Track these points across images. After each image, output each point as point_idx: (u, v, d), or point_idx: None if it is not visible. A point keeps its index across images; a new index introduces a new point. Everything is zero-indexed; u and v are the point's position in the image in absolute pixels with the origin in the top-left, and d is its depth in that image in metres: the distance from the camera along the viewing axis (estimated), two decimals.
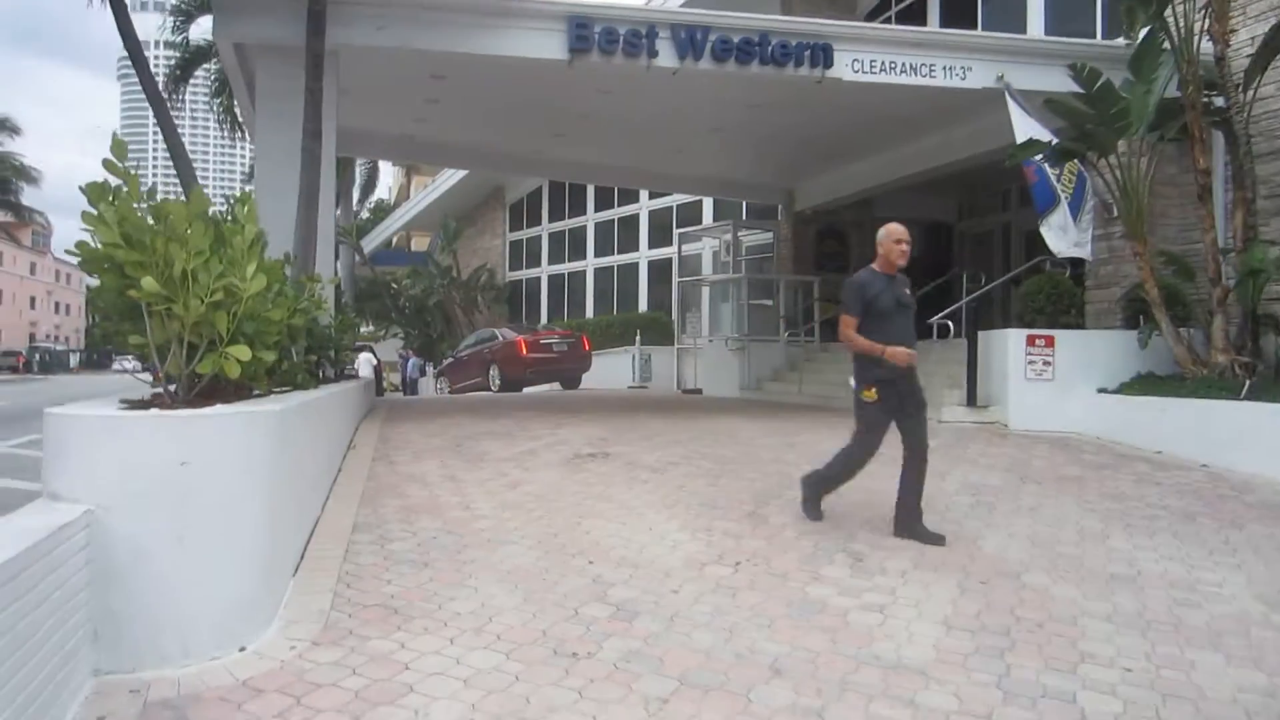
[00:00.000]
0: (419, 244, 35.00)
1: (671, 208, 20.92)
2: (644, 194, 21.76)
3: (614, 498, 5.78)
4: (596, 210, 23.53)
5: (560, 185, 24.80)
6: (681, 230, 18.37)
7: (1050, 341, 9.45)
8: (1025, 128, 9.60)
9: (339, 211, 30.98)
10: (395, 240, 37.64)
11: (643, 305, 21.63)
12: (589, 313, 23.51)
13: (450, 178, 26.30)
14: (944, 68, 9.81)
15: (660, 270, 21.43)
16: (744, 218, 17.87)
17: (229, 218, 4.01)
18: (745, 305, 15.22)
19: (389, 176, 45.45)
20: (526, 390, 19.41)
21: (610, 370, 20.21)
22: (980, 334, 9.84)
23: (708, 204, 19.79)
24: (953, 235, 18.52)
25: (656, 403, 13.13)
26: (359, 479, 6.01)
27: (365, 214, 46.59)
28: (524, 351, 17.97)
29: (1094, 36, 11.84)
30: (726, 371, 15.31)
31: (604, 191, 23.25)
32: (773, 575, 4.39)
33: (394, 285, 31.59)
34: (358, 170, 31.27)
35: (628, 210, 22.40)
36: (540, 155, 14.80)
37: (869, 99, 10.97)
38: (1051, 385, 9.43)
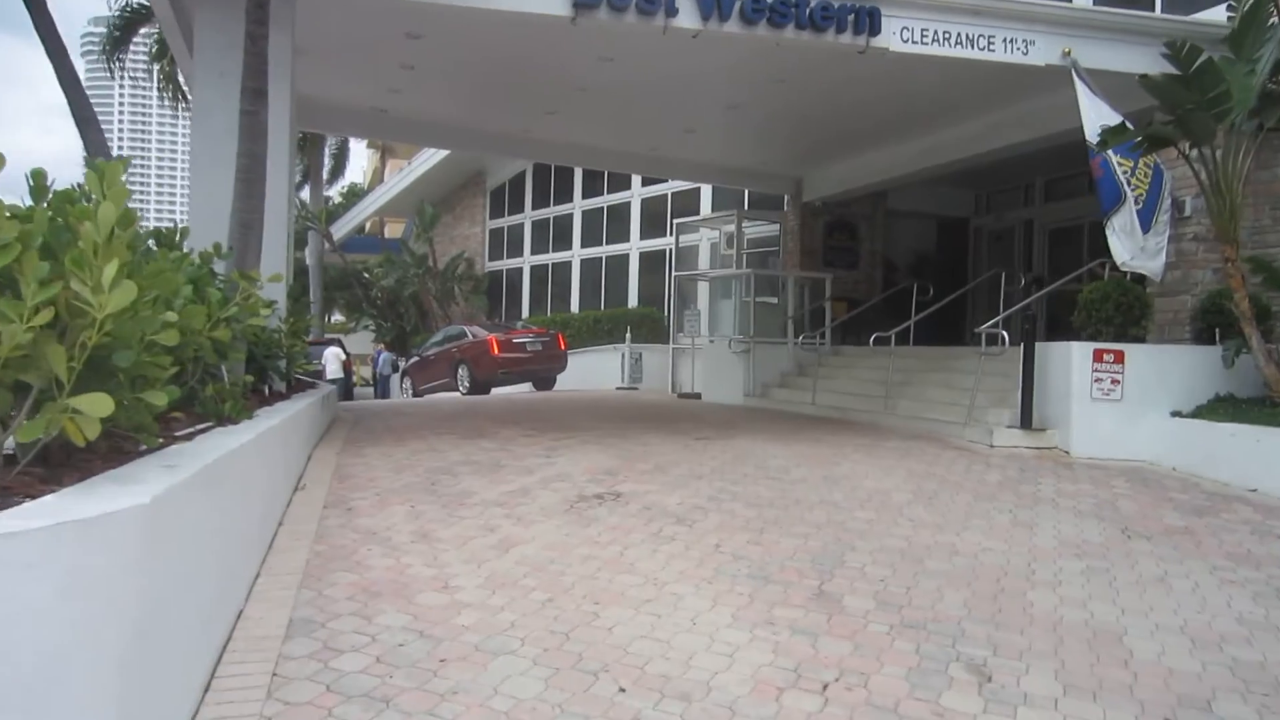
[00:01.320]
0: (394, 231, 33.41)
1: (666, 195, 19.56)
2: (636, 181, 20.38)
3: (637, 566, 4.44)
4: (584, 197, 22.12)
5: (545, 170, 23.35)
6: (680, 220, 17.02)
7: (1120, 357, 8.21)
8: (1094, 111, 8.34)
9: (306, 195, 29.39)
10: (369, 226, 36.00)
11: (633, 300, 20.28)
12: (574, 306, 22.12)
13: (427, 160, 24.77)
14: (1004, 40, 8.53)
15: (652, 263, 20.08)
16: (745, 207, 16.53)
17: (84, 195, 2.63)
18: (751, 303, 13.90)
19: (363, 159, 43.61)
20: (499, 391, 18.04)
21: (597, 369, 18.86)
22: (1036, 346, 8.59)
23: (705, 193, 18.44)
24: (968, 231, 17.30)
25: (657, 412, 11.79)
26: (304, 539, 4.63)
27: (338, 198, 44.89)
28: (495, 351, 16.61)
29: (1152, 9, 10.59)
30: (729, 375, 14.00)
31: (592, 177, 21.84)
32: (879, 710, 3.08)
33: (366, 274, 30.01)
34: (327, 150, 29.64)
35: (618, 198, 21.02)
36: (529, 134, 13.38)
37: (911, 75, 9.69)
38: (1119, 407, 8.20)
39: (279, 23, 6.90)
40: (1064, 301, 16.16)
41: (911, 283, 13.09)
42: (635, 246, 20.45)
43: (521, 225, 24.27)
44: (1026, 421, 8.49)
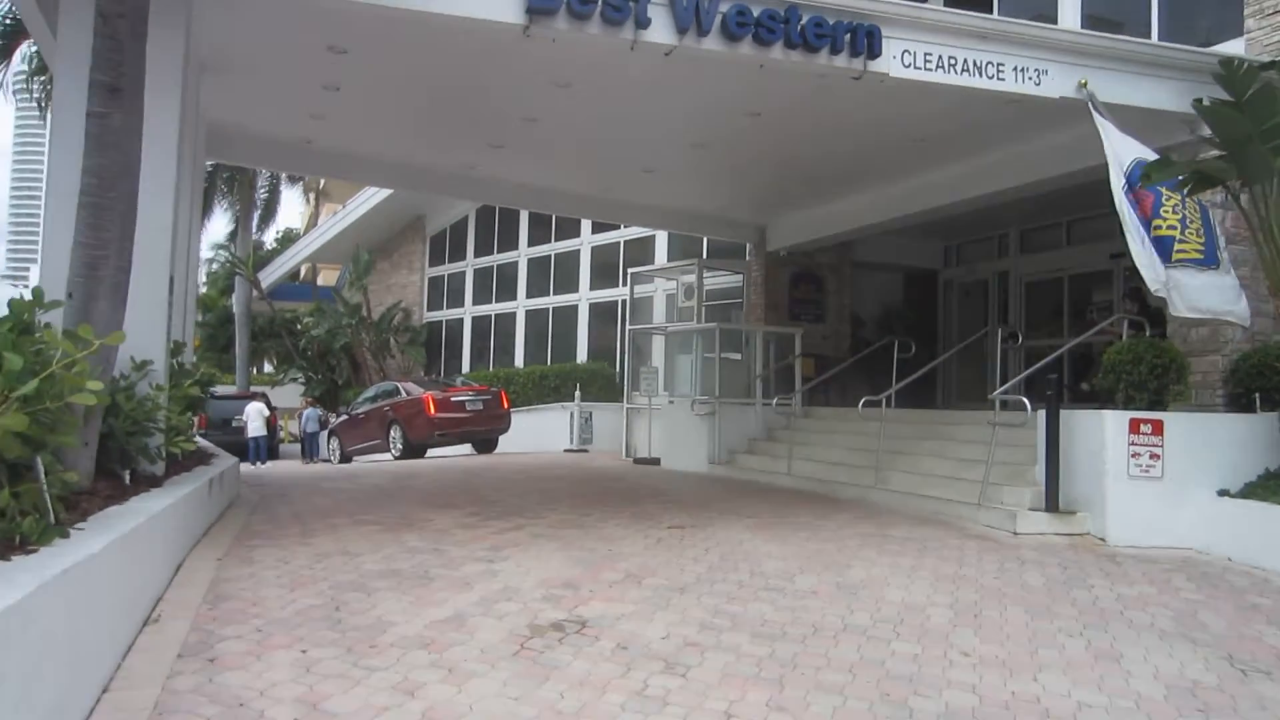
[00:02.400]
0: (329, 279, 31.66)
1: (618, 244, 18.38)
2: (586, 228, 19.19)
3: None
4: (530, 244, 20.84)
5: (489, 214, 22.05)
6: (635, 270, 15.81)
7: (1158, 428, 7.10)
8: (1123, 145, 7.35)
9: (232, 240, 27.63)
10: (304, 273, 34.20)
11: (582, 355, 18.95)
12: (519, 361, 20.68)
13: (364, 203, 23.29)
14: (1015, 69, 7.49)
15: (603, 315, 18.80)
16: (704, 256, 15.40)
17: None
18: (716, 360, 12.67)
19: (299, 202, 41.80)
20: (436, 453, 16.47)
21: (544, 430, 17.41)
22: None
23: (660, 241, 17.31)
24: (937, 284, 16.40)
25: (615, 485, 10.38)
26: None
27: (273, 243, 42.86)
28: (431, 410, 15.10)
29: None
30: (691, 440, 12.69)
31: (539, 223, 20.59)
32: None
33: (298, 324, 28.22)
34: (258, 192, 27.98)
35: (566, 245, 19.78)
36: (472, 172, 12.08)
37: (901, 112, 8.71)
38: (1159, 486, 7.08)
39: (165, 14, 5.52)
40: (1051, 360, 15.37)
41: (891, 339, 12.00)
42: (585, 297, 19.19)
43: (463, 273, 22.86)
44: (1052, 503, 7.30)
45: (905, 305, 16.41)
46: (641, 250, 17.82)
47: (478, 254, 22.46)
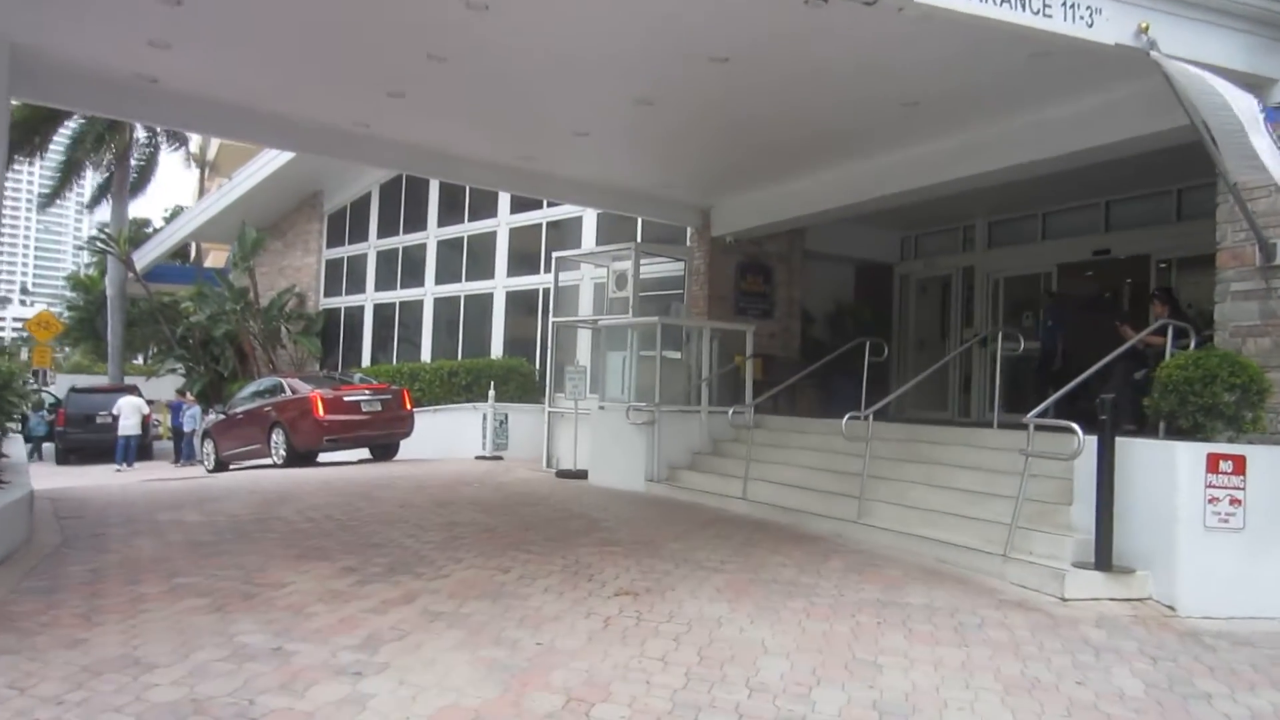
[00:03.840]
0: (221, 260, 28.66)
1: (540, 225, 16.37)
2: (503, 207, 17.13)
3: None
4: (441, 224, 18.63)
5: (394, 190, 19.74)
6: (560, 254, 13.84)
7: (1240, 465, 5.58)
8: (1212, 97, 5.77)
9: (98, 213, 24.52)
10: (194, 254, 31.08)
11: (497, 349, 16.89)
12: (426, 354, 18.48)
13: (252, 175, 20.67)
14: (1065, 5, 5.87)
15: (523, 305, 16.80)
16: (638, 240, 13.56)
17: None
18: (657, 360, 10.86)
19: (191, 175, 38.25)
20: (326, 460, 14.29)
21: (452, 433, 15.34)
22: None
23: (588, 223, 15.39)
24: (893, 279, 14.94)
25: (538, 513, 8.43)
26: None
27: (162, 221, 39.22)
28: (320, 412, 12.93)
29: None
30: (625, 452, 10.86)
31: (450, 201, 18.42)
32: None
33: (178, 309, 25.32)
34: (133, 160, 24.98)
35: (481, 226, 17.68)
36: (367, 131, 9.94)
37: (906, 56, 7.02)
38: (1240, 539, 5.57)
39: None
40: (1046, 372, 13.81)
41: (862, 340, 10.40)
42: (502, 285, 17.13)
43: (364, 256, 20.48)
44: (1104, 559, 5.71)
45: (858, 301, 14.90)
46: (567, 233, 15.88)
47: (381, 234, 20.13)
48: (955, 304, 13.88)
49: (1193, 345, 6.98)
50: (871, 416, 7.69)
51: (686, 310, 12.83)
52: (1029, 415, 6.08)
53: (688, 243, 13.24)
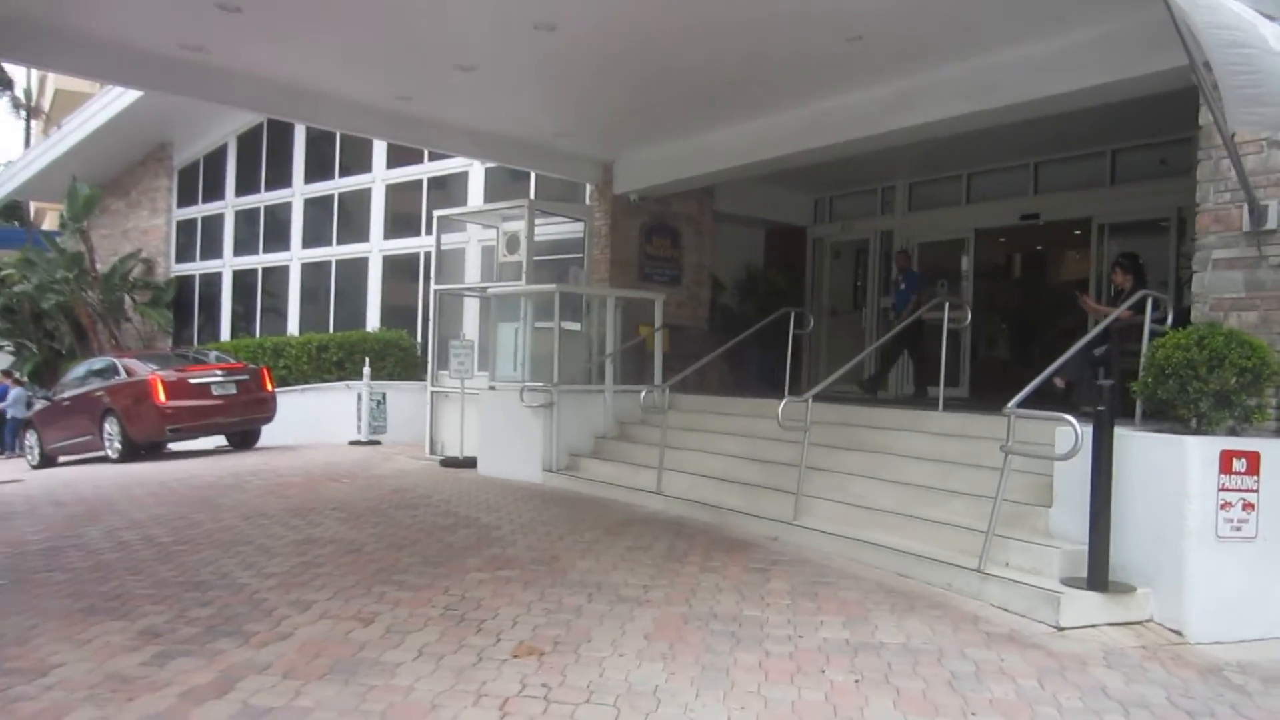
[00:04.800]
0: (55, 222, 25.55)
1: (420, 182, 14.71)
2: (379, 159, 15.37)
3: None
4: (308, 180, 16.67)
5: (253, 142, 17.61)
6: (443, 213, 12.26)
7: (1254, 463, 4.72)
8: (1220, 31, 4.82)
9: None
10: (32, 214, 27.68)
11: (374, 320, 15.20)
12: (293, 327, 16.58)
13: (86, 122, 18.09)
14: None
15: (402, 270, 15.14)
16: (533, 197, 12.16)
17: None
18: (556, 333, 9.56)
19: (19, 126, 34.23)
20: (179, 449, 12.49)
21: (323, 415, 13.69)
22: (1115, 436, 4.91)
23: (475, 179, 13.85)
24: (806, 243, 13.99)
25: (416, 511, 7.04)
26: None
27: None
28: (160, 397, 11.14)
29: None
30: (520, 437, 9.56)
31: (318, 154, 16.49)
32: None
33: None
34: None
35: (354, 183, 15.85)
36: (199, 56, 8.18)
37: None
38: (1253, 550, 4.72)
39: None
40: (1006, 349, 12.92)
41: (787, 311, 9.37)
42: (378, 248, 15.40)
43: (221, 217, 18.26)
44: (1099, 576, 4.77)
45: (770, 267, 13.90)
46: (452, 191, 14.30)
47: (240, 192, 17.98)
48: (872, 270, 13.03)
49: (1169, 321, 6.17)
50: (811, 400, 6.60)
51: (587, 276, 11.54)
52: (1010, 405, 5.08)
53: (587, 201, 11.91)
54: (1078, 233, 11.13)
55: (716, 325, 12.68)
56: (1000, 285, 13.19)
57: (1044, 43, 7.03)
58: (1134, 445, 4.90)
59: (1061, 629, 4.56)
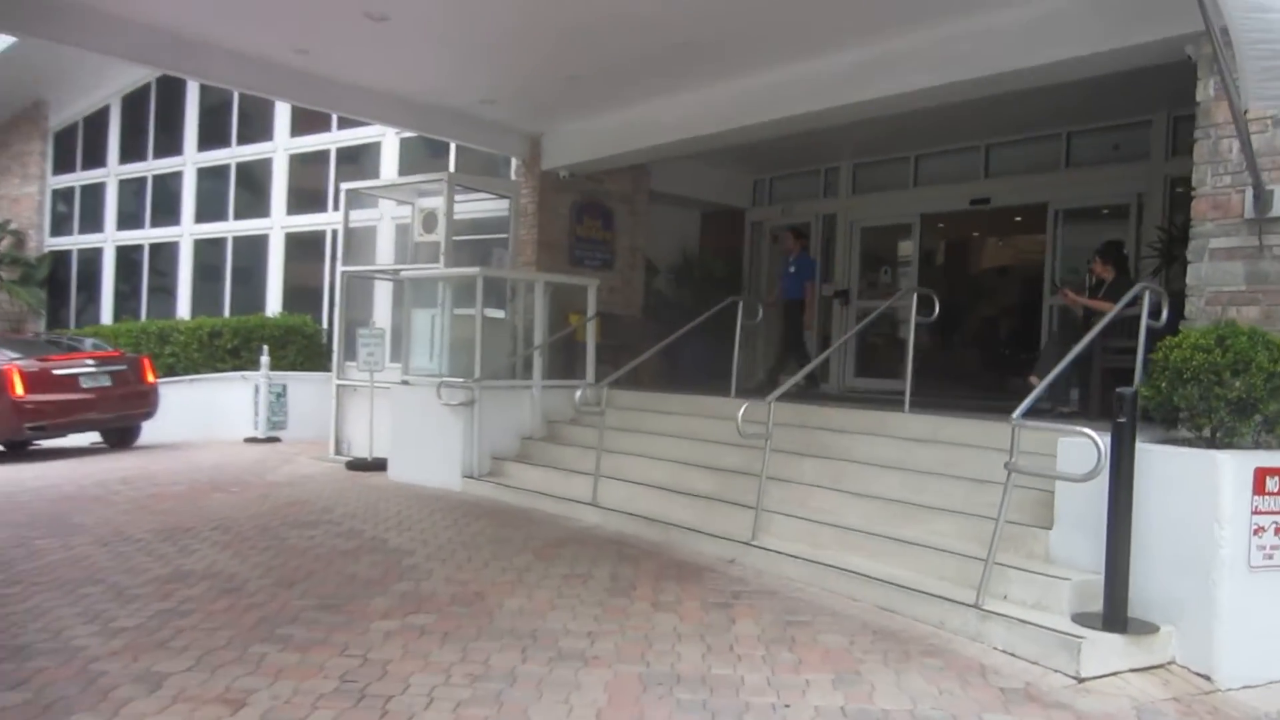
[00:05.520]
0: None
1: (329, 151, 13.46)
2: (281, 127, 14.03)
3: None
4: (202, 148, 15.17)
5: (140, 103, 15.98)
6: (352, 186, 11.09)
7: None
8: None
9: None
10: None
11: (274, 304, 13.89)
12: (183, 310, 15.12)
13: None
14: None
15: (306, 250, 13.88)
16: (453, 170, 11.10)
17: None
18: (479, 322, 8.59)
19: None
20: (50, 446, 11.12)
21: (216, 409, 12.42)
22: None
23: (388, 149, 12.69)
24: (744, 227, 13.26)
25: (314, 530, 6.01)
26: None
27: None
28: (18, 390, 9.77)
29: None
30: (437, 439, 8.58)
31: (214, 118, 15.03)
32: None
33: None
34: None
35: (253, 152, 14.46)
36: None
37: None
38: None
39: None
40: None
41: (734, 299, 8.60)
42: (280, 224, 14.08)
43: (102, 186, 16.56)
44: (1118, 614, 4.12)
45: (706, 251, 13.13)
46: (363, 163, 13.11)
47: (126, 159, 16.33)
48: (815, 255, 12.33)
49: (1164, 317, 5.59)
50: (773, 404, 5.83)
51: (512, 259, 10.58)
52: (1016, 414, 4.37)
53: (513, 177, 10.92)
54: (1028, 219, 10.66)
55: (650, 313, 11.87)
56: (948, 273, 12.70)
57: (1022, 9, 6.37)
58: (1154, 461, 4.25)
59: (1082, 680, 3.88)
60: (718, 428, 7.51)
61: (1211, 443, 4.46)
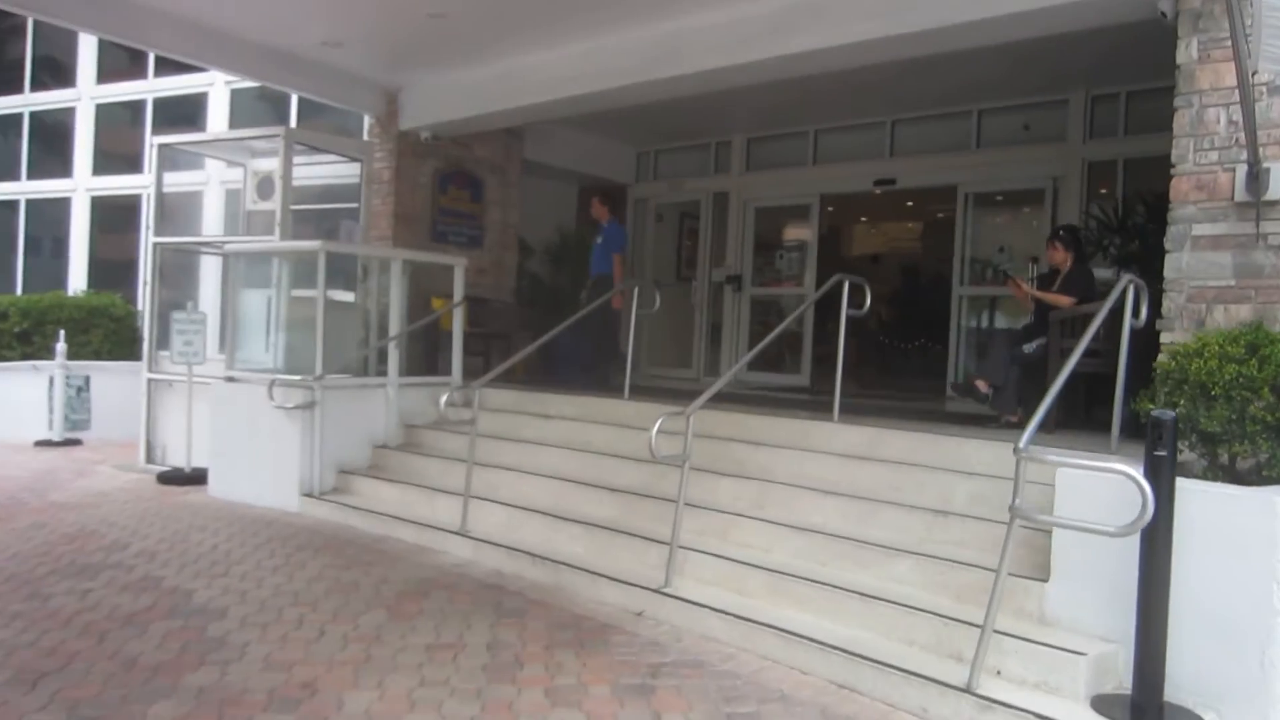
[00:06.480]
0: None
1: (144, 101, 11.46)
2: (85, 71, 11.90)
3: None
4: None
5: None
6: (167, 140, 9.24)
7: None
8: None
9: None
10: None
11: (79, 280, 11.80)
12: None
13: None
14: None
15: (115, 217, 11.83)
16: (292, 124, 9.47)
17: None
18: (320, 307, 7.12)
19: None
20: None
21: (1, 404, 10.34)
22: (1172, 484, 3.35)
23: (216, 102, 10.87)
24: (627, 204, 12.11)
25: (82, 592, 4.47)
26: None
27: None
28: None
29: None
30: (268, 447, 7.08)
31: (3, 58, 12.68)
32: None
33: None
34: None
35: (52, 100, 12.23)
36: None
37: None
38: None
39: None
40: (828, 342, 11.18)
41: (633, 283, 7.46)
42: (85, 186, 11.94)
43: None
44: (1152, 701, 3.23)
45: (586, 230, 11.91)
46: (187, 119, 11.22)
47: None
48: (705, 236, 11.37)
49: (1143, 314, 4.81)
50: (692, 418, 4.71)
51: (364, 233, 9.08)
52: (1022, 442, 3.40)
53: (366, 137, 9.39)
54: (936, 202, 10.00)
55: (524, 298, 10.62)
56: (850, 259, 11.95)
57: None
58: (1193, 503, 3.38)
59: None
60: (612, 436, 6.39)
61: (1233, 473, 3.66)
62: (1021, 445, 3.36)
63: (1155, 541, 3.24)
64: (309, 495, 6.83)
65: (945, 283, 9.56)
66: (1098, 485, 3.55)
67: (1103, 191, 8.42)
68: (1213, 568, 3.32)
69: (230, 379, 7.57)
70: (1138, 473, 3.03)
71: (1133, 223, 7.28)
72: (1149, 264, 6.86)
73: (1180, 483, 3.35)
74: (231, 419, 7.42)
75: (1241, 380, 3.54)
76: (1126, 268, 7.03)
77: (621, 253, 8.81)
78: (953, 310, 9.22)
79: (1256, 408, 3.51)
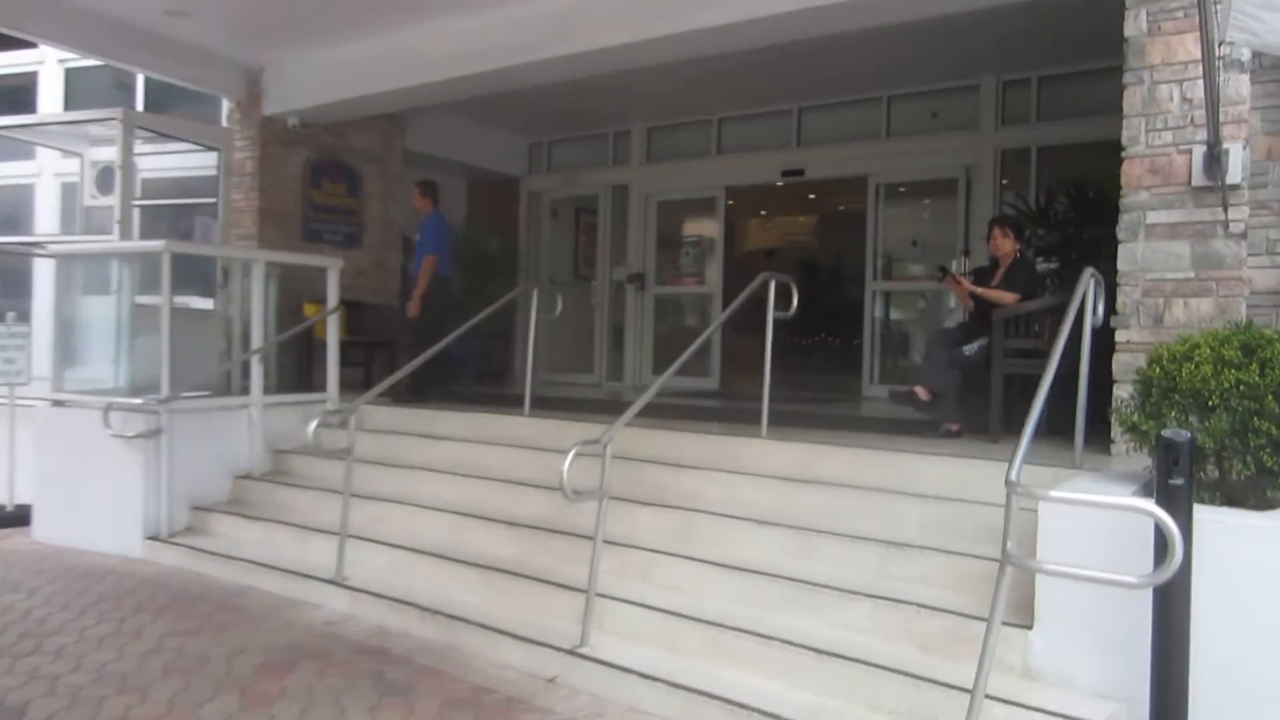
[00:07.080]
0: None
1: None
2: None
3: None
4: None
5: None
6: None
7: None
8: None
9: None
10: None
11: None
12: None
13: None
14: None
15: None
16: (138, 107, 8.32)
17: None
18: (166, 315, 6.10)
19: None
20: None
21: None
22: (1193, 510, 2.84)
23: (50, 84, 9.54)
24: (519, 198, 11.30)
25: None
26: None
27: None
28: None
29: None
30: (104, 481, 6.03)
31: None
32: None
33: None
34: None
35: None
36: None
37: None
38: None
39: None
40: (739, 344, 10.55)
41: (530, 285, 6.72)
42: None
43: None
44: None
45: (475, 227, 11.04)
46: (12, 102, 9.84)
47: None
48: (604, 232, 10.68)
49: (1100, 311, 4.36)
50: (609, 447, 4.01)
51: (223, 231, 8.03)
52: (1013, 473, 2.82)
53: (225, 123, 8.33)
54: (847, 194, 9.58)
55: (409, 301, 9.68)
56: (756, 255, 11.45)
57: None
58: (1207, 535, 2.88)
59: None
60: (511, 459, 5.66)
61: (1226, 492, 3.21)
62: (1013, 477, 2.79)
63: (1173, 588, 2.72)
64: (155, 538, 5.82)
65: (857, 278, 9.16)
66: (1089, 514, 3.04)
67: (1003, 182, 8.13)
68: (1230, 610, 2.84)
69: (59, 403, 6.47)
70: (1163, 513, 2.48)
71: (1054, 213, 6.96)
72: (1068, 255, 6.59)
73: (1196, 512, 2.84)
74: (61, 449, 6.32)
75: (1243, 388, 3.08)
76: (1048, 260, 6.74)
77: (437, 253, 7.68)
78: (866, 305, 8.82)
79: (1257, 419, 3.05)
